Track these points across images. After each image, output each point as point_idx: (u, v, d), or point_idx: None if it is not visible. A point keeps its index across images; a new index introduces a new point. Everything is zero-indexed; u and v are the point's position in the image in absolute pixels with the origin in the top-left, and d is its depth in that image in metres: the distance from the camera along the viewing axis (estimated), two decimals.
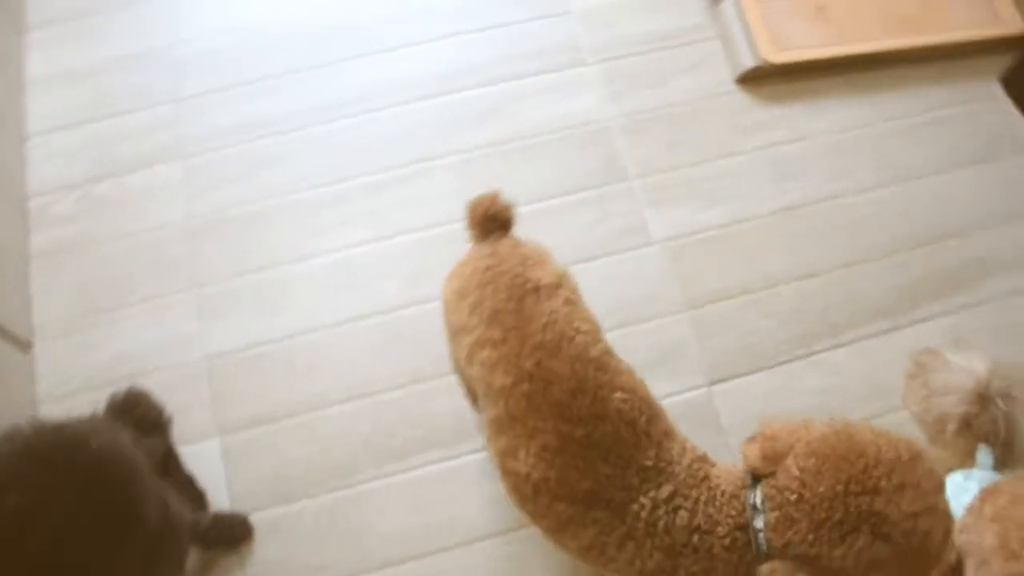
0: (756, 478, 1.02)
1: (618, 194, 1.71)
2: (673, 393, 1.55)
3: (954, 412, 1.50)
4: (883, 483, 0.91)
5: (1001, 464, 1.49)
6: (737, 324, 1.61)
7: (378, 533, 1.44)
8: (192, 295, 1.61)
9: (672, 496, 1.01)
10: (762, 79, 1.82)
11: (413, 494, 1.47)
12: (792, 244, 1.70)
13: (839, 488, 0.91)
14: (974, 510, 1.35)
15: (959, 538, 1.34)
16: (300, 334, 1.58)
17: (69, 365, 1.57)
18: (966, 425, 1.49)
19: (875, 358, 1.61)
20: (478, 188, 1.66)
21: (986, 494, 1.35)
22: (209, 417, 1.52)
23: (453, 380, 1.54)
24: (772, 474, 0.99)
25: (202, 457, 1.48)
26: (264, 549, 1.43)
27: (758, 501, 0.99)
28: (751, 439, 1.05)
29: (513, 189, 1.67)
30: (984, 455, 1.46)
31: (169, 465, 1.42)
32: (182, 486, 1.41)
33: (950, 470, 1.48)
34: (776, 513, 0.96)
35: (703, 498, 1.01)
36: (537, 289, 1.08)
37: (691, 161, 1.75)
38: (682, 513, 1.00)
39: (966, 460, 1.49)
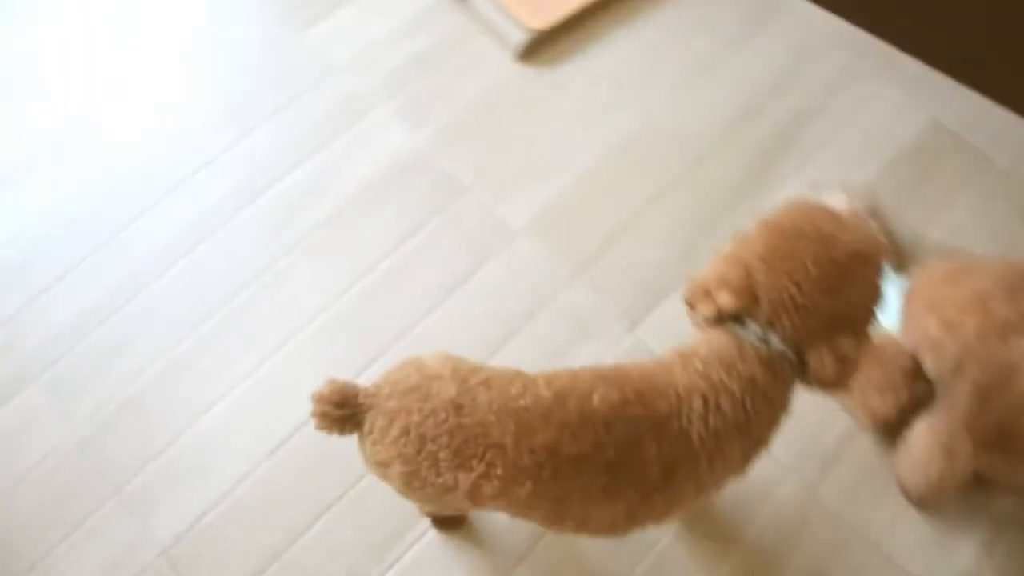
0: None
1: (465, 207, 1.73)
2: (603, 352, 1.59)
3: None
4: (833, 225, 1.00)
5: (900, 269, 1.60)
6: (626, 266, 1.67)
7: None
8: (116, 501, 1.51)
9: (702, 409, 1.01)
10: (539, 47, 1.89)
11: (429, 567, 1.44)
12: (634, 175, 1.77)
13: (810, 249, 0.98)
14: (907, 312, 1.44)
15: (907, 339, 1.43)
16: (238, 483, 1.51)
17: None
18: None
19: None
20: (334, 266, 1.67)
21: (909, 294, 1.45)
22: None
23: None
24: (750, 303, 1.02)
25: None
26: None
27: (761, 329, 1.01)
28: (693, 299, 1.07)
29: (368, 249, 1.69)
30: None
31: None
32: None
33: None
34: (779, 319, 0.99)
35: (721, 380, 1.02)
36: (457, 406, 1.02)
37: (514, 147, 1.80)
38: (724, 408, 1.01)
39: None
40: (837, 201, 1.65)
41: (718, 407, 1.01)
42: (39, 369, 1.63)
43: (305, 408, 1.55)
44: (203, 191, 1.76)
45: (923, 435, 1.45)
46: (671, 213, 1.72)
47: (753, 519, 1.48)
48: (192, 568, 1.46)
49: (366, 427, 1.06)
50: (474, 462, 1.00)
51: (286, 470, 1.52)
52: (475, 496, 1.02)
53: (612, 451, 0.99)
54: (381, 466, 1.06)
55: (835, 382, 1.00)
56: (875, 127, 1.85)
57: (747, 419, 1.02)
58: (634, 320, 1.62)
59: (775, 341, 1.00)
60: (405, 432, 1.02)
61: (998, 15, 1.77)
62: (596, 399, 1.01)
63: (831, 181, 1.72)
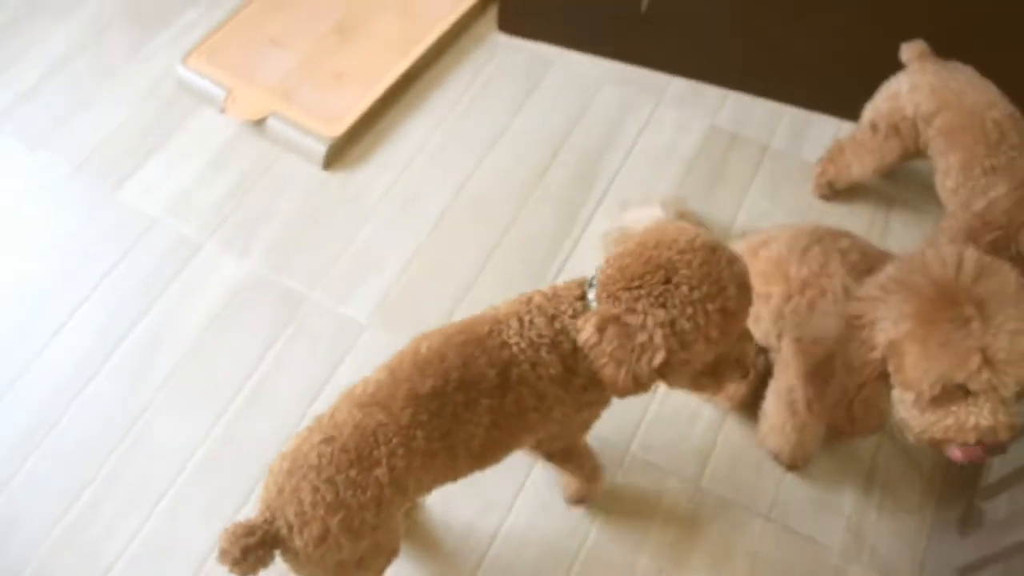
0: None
1: (307, 315, 1.79)
2: None
3: None
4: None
5: None
6: None
7: None
8: None
9: (517, 326, 1.15)
10: (341, 152, 1.99)
11: None
12: (457, 245, 1.88)
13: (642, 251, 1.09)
14: None
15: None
16: None
17: None
18: None
19: (591, 258, 1.83)
20: (197, 406, 1.67)
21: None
22: None
23: None
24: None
25: None
26: None
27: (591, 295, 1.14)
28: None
29: (226, 380, 1.70)
30: None
31: None
32: None
33: None
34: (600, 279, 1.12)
35: (530, 309, 1.16)
36: (330, 439, 1.11)
37: (341, 248, 1.88)
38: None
39: None
40: (650, 212, 1.79)
41: (531, 323, 1.14)
42: None
43: (200, 559, 1.55)
44: (52, 367, 1.74)
45: (771, 401, 1.57)
46: (501, 273, 1.83)
47: (652, 519, 1.57)
48: None
49: (283, 540, 1.09)
50: (374, 452, 1.08)
51: None
52: (398, 482, 1.09)
53: (455, 373, 1.11)
54: (319, 542, 1.07)
55: (593, 350, 1.09)
56: (661, 145, 2.02)
57: (559, 337, 1.14)
58: None
59: (591, 297, 1.13)
60: (314, 493, 1.07)
61: (744, 25, 1.99)
62: (423, 348, 1.15)
63: (638, 198, 1.88)
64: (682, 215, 1.82)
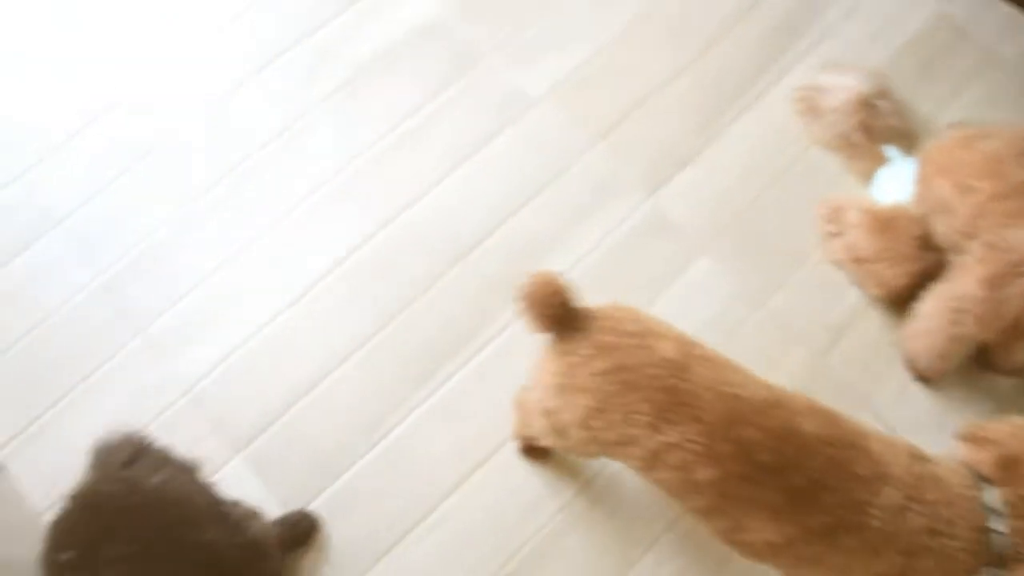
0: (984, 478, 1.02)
1: (481, 75, 1.74)
2: (624, 218, 1.62)
3: (850, 124, 1.63)
4: None
5: (910, 150, 1.64)
6: (647, 135, 1.69)
7: (435, 461, 1.44)
8: (140, 342, 1.52)
9: (902, 500, 0.99)
10: None
11: (444, 414, 1.48)
12: (656, 45, 1.78)
13: None
14: (920, 177, 1.47)
15: (919, 205, 1.44)
16: (264, 325, 1.54)
17: (50, 467, 1.46)
18: (867, 130, 1.62)
19: (777, 109, 1.72)
20: (352, 128, 1.66)
21: (923, 161, 1.48)
22: (220, 441, 1.46)
23: (429, 299, 1.55)
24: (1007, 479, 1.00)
25: (233, 480, 1.42)
26: (338, 531, 1.40)
27: (998, 504, 0.98)
28: (970, 438, 1.06)
29: (386, 113, 1.68)
30: (891, 151, 1.60)
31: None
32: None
33: (874, 174, 1.61)
34: (1020, 522, 0.97)
35: (937, 499, 0.99)
36: (676, 368, 1.01)
37: (534, 18, 1.80)
38: (915, 517, 0.98)
39: (882, 162, 1.62)
40: (848, 81, 1.68)
41: (909, 509, 0.98)
42: (62, 214, 1.63)
43: (335, 251, 1.58)
44: (227, 48, 1.75)
45: (931, 304, 1.48)
46: (690, 86, 1.74)
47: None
48: (216, 405, 1.48)
49: (566, 344, 1.04)
50: (672, 429, 0.98)
51: (313, 315, 1.54)
52: (653, 459, 1.01)
53: (799, 480, 0.97)
54: (567, 390, 1.04)
55: None
56: (884, 14, 1.87)
57: (919, 545, 0.99)
58: (653, 186, 1.65)
59: (999, 529, 0.97)
60: (615, 371, 1.00)
61: None
62: (808, 425, 0.99)
63: (842, 63, 1.75)
64: (881, 94, 1.70)
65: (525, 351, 1.51)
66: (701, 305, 1.57)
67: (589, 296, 1.52)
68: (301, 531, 1.37)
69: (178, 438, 1.42)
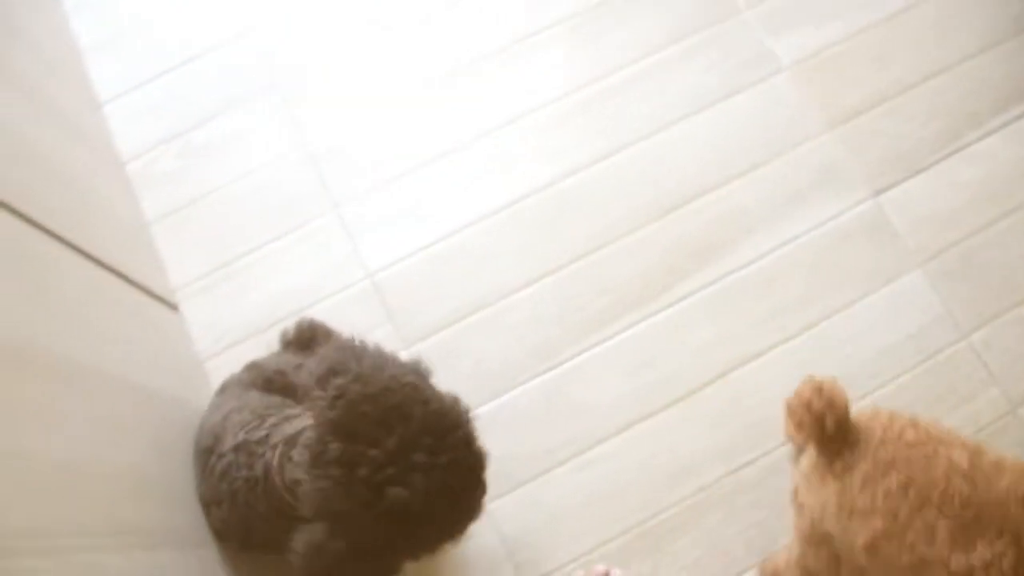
0: None
1: (734, 30, 1.66)
2: (842, 211, 1.53)
3: None
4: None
5: None
6: (883, 132, 1.59)
7: (596, 405, 1.41)
8: (333, 217, 1.53)
9: None
10: None
11: (619, 360, 1.44)
12: (917, 43, 1.66)
13: None
14: None
15: None
16: (459, 230, 1.52)
17: (222, 318, 1.49)
18: None
19: None
20: (585, 55, 1.62)
21: None
22: (390, 332, 1.46)
23: (628, 241, 1.51)
24: None
25: None
26: (487, 446, 1.38)
27: None
28: None
29: (624, 48, 1.63)
30: None
31: None
32: None
33: None
34: None
35: None
36: (972, 478, 0.93)
37: None
38: None
39: None
40: None
41: None
42: (283, 79, 1.65)
43: (539, 178, 1.56)
44: None
45: None
46: (938, 94, 1.62)
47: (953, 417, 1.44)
48: (395, 297, 1.48)
49: (841, 462, 0.98)
50: (981, 544, 0.90)
51: (508, 230, 1.52)
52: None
53: None
54: (849, 514, 0.97)
55: None
56: None
57: None
58: (880, 187, 1.55)
59: None
60: (904, 487, 0.93)
61: None
62: None
63: None
64: None
65: (702, 320, 1.46)
66: (901, 320, 1.48)
67: (784, 284, 1.47)
68: None
69: (351, 320, 1.46)
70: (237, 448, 1.12)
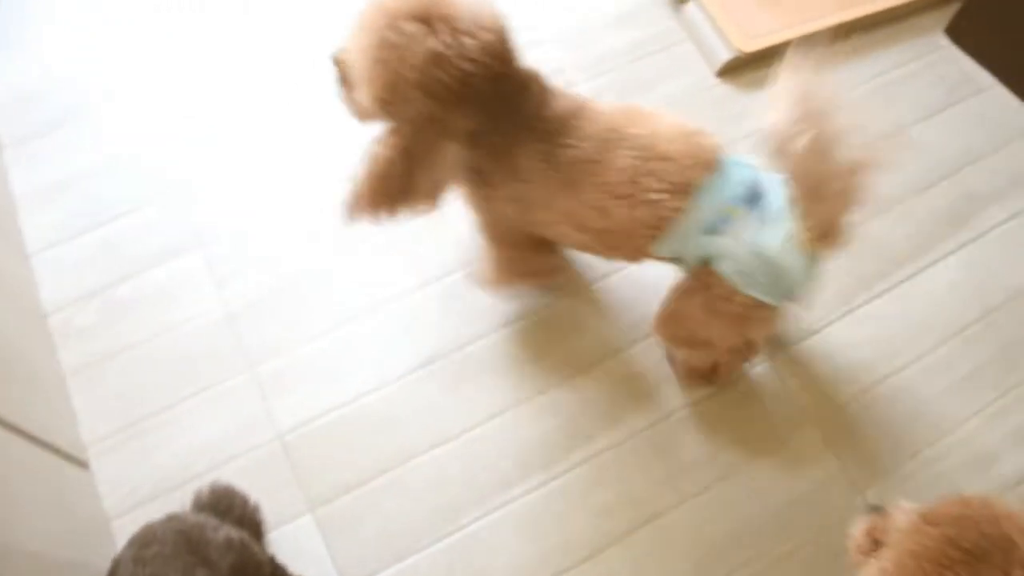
0: None
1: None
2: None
3: None
4: None
5: None
6: None
7: (498, 570, 1.43)
8: (248, 377, 1.57)
9: None
10: (739, 69, 1.92)
11: (522, 523, 1.47)
12: None
13: None
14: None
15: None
16: (370, 392, 1.56)
17: (132, 475, 1.50)
18: None
19: (912, 300, 1.71)
20: None
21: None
22: (296, 495, 1.47)
23: (537, 403, 1.56)
24: None
25: (298, 535, 1.44)
26: None
27: None
28: None
29: None
30: None
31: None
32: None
33: None
34: None
35: None
36: None
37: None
38: None
39: None
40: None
41: None
42: (209, 239, 1.71)
43: (448, 340, 1.61)
44: None
45: None
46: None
47: None
48: (303, 458, 1.50)
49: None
50: None
51: (416, 395, 1.56)
52: None
53: None
54: None
55: None
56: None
57: None
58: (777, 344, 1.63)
59: None
60: None
61: None
62: None
63: None
64: None
65: (606, 481, 1.50)
66: (795, 480, 1.53)
67: (684, 444, 1.52)
68: None
69: (259, 481, 1.48)
70: None
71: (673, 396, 1.58)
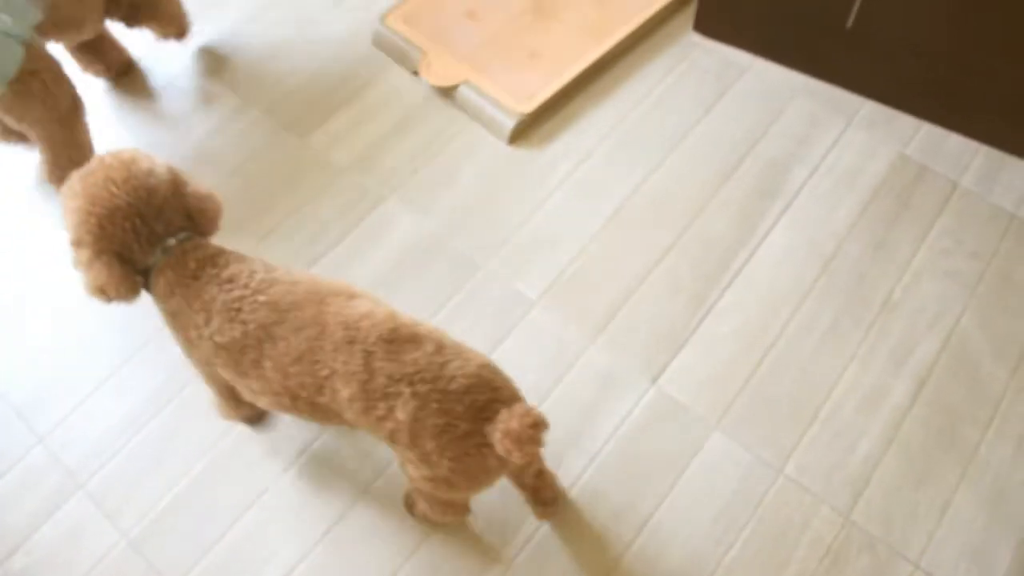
0: None
1: (479, 284, 1.82)
2: (631, 408, 1.66)
3: None
4: None
5: None
6: (640, 323, 1.76)
7: None
8: None
9: None
10: (527, 130, 2.01)
11: None
12: (632, 238, 1.88)
13: None
14: None
15: None
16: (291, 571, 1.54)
17: None
18: None
19: (758, 278, 1.81)
20: None
21: None
22: None
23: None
24: None
25: None
26: None
27: None
28: None
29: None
30: None
31: None
32: None
33: None
34: None
35: None
36: None
37: (518, 225, 1.90)
38: None
39: None
40: None
41: None
42: (84, 478, 1.65)
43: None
44: None
45: None
46: (673, 270, 1.82)
47: (795, 549, 1.53)
48: None
49: None
50: None
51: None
52: None
53: None
54: None
55: None
56: (846, 167, 1.97)
57: None
58: (655, 373, 1.69)
59: None
60: None
61: (954, 53, 1.92)
62: None
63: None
64: None
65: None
66: (721, 482, 1.59)
67: (604, 493, 1.56)
68: None
69: None
70: None
71: (582, 452, 1.62)
